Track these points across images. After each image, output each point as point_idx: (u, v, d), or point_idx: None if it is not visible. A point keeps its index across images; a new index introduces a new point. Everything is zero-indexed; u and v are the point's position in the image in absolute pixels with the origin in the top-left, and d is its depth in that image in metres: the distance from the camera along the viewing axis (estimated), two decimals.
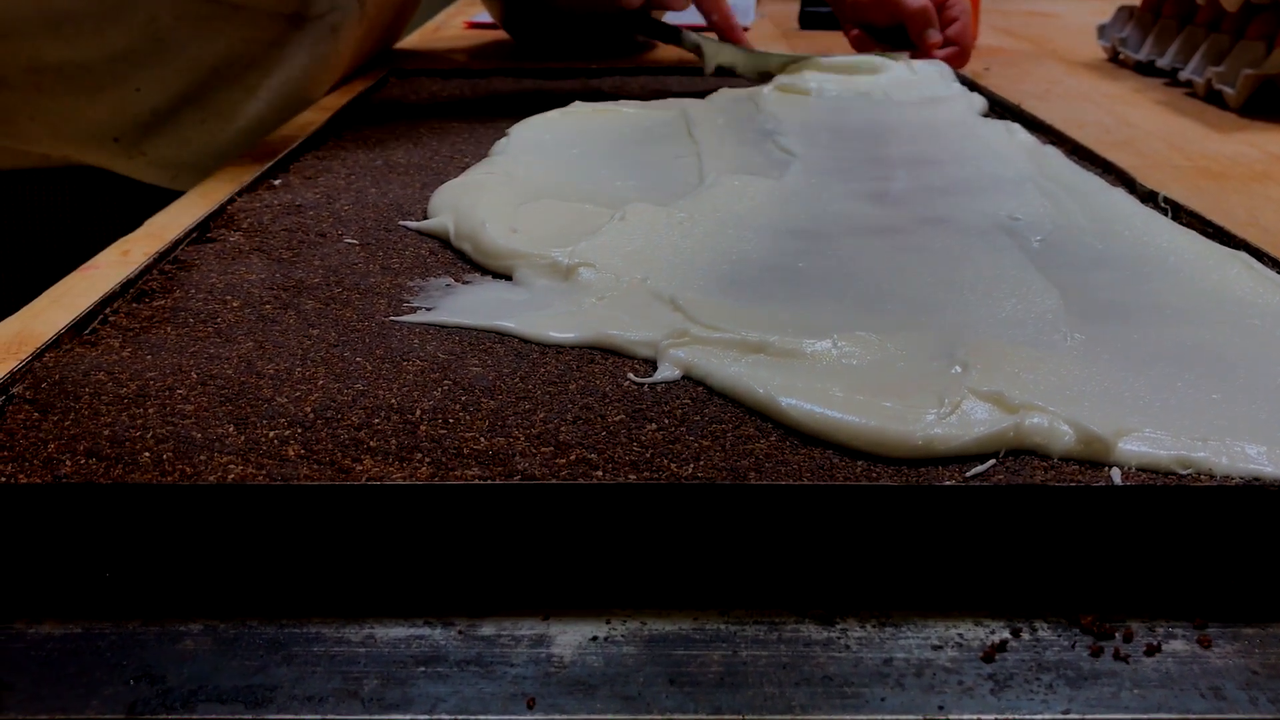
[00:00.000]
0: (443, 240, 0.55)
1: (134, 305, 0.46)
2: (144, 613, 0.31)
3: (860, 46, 1.04)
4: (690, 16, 1.08)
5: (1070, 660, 0.29)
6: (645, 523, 0.31)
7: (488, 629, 0.30)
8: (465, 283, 0.50)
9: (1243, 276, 0.48)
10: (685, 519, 0.31)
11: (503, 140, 0.72)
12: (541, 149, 0.70)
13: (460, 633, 0.30)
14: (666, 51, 1.20)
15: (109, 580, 0.31)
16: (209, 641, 0.30)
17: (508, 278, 0.51)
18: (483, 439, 0.35)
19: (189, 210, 0.63)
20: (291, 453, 0.34)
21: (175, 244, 0.53)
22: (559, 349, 0.43)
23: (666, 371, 0.40)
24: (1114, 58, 1.16)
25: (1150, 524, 0.31)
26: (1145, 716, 0.27)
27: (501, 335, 0.44)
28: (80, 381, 0.39)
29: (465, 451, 0.35)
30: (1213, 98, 0.94)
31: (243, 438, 0.35)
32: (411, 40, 1.33)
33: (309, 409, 0.37)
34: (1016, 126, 0.74)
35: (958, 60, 0.99)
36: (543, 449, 0.35)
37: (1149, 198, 0.60)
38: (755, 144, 0.73)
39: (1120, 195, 0.59)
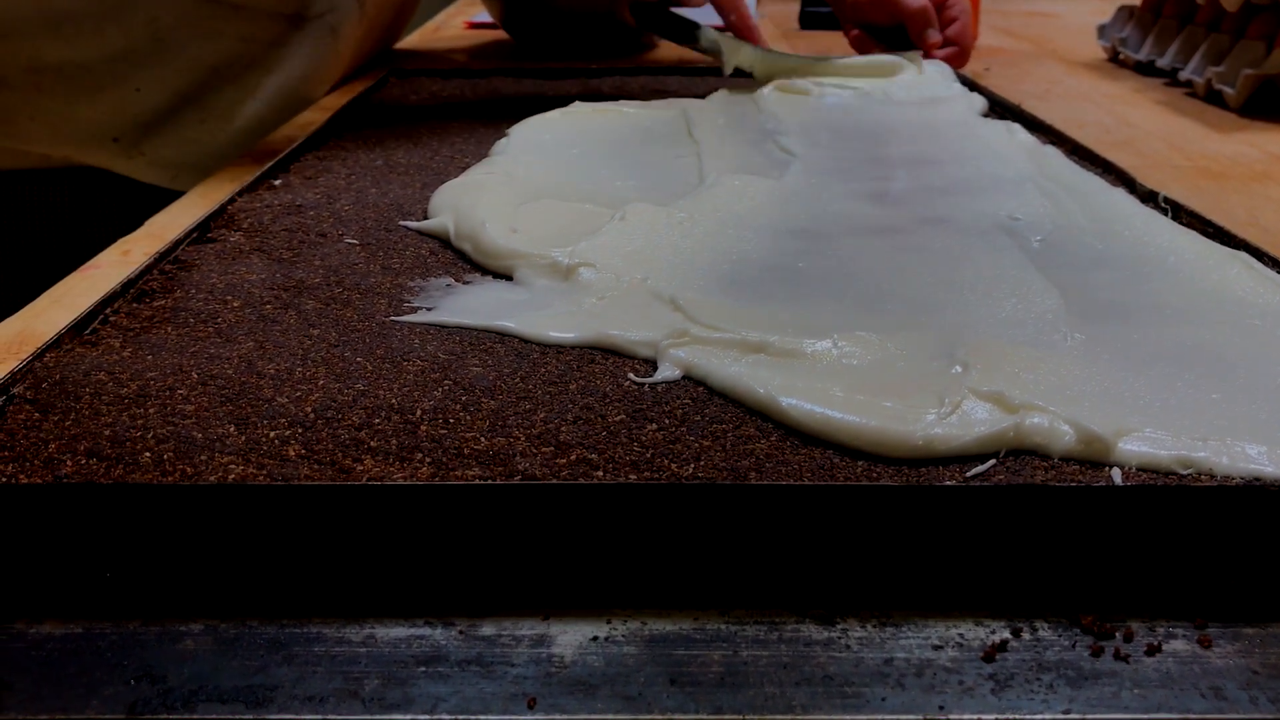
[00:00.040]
0: (443, 240, 0.55)
1: (134, 305, 0.46)
2: (144, 613, 0.31)
3: (860, 46, 1.04)
4: (705, 15, 1.05)
5: (1071, 660, 0.29)
6: (646, 523, 0.31)
7: (488, 629, 0.30)
8: (465, 283, 0.50)
9: (1243, 276, 0.48)
10: (686, 519, 0.31)
11: (503, 140, 0.72)
12: (541, 149, 0.70)
13: (461, 633, 0.30)
14: (666, 51, 1.20)
15: (109, 580, 0.31)
16: (209, 641, 0.30)
17: (508, 278, 0.51)
18: (483, 439, 0.35)
19: (189, 210, 0.63)
20: (292, 453, 0.34)
21: (176, 244, 0.53)
22: (559, 349, 0.43)
23: (667, 371, 0.40)
24: (1114, 58, 1.16)
25: (1151, 524, 0.31)
26: (1146, 716, 0.27)
27: (502, 335, 0.44)
28: (81, 381, 0.39)
29: (466, 451, 0.35)
30: (1213, 98, 0.94)
31: (243, 438, 0.35)
32: (411, 40, 1.33)
33: (309, 409, 0.37)
34: (1016, 126, 0.74)
35: (958, 60, 0.99)
36: (543, 449, 0.35)
37: (1149, 198, 0.60)
38: (755, 144, 0.73)
39: (1120, 195, 0.59)
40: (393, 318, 0.45)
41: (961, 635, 0.30)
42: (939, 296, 0.47)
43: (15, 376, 0.39)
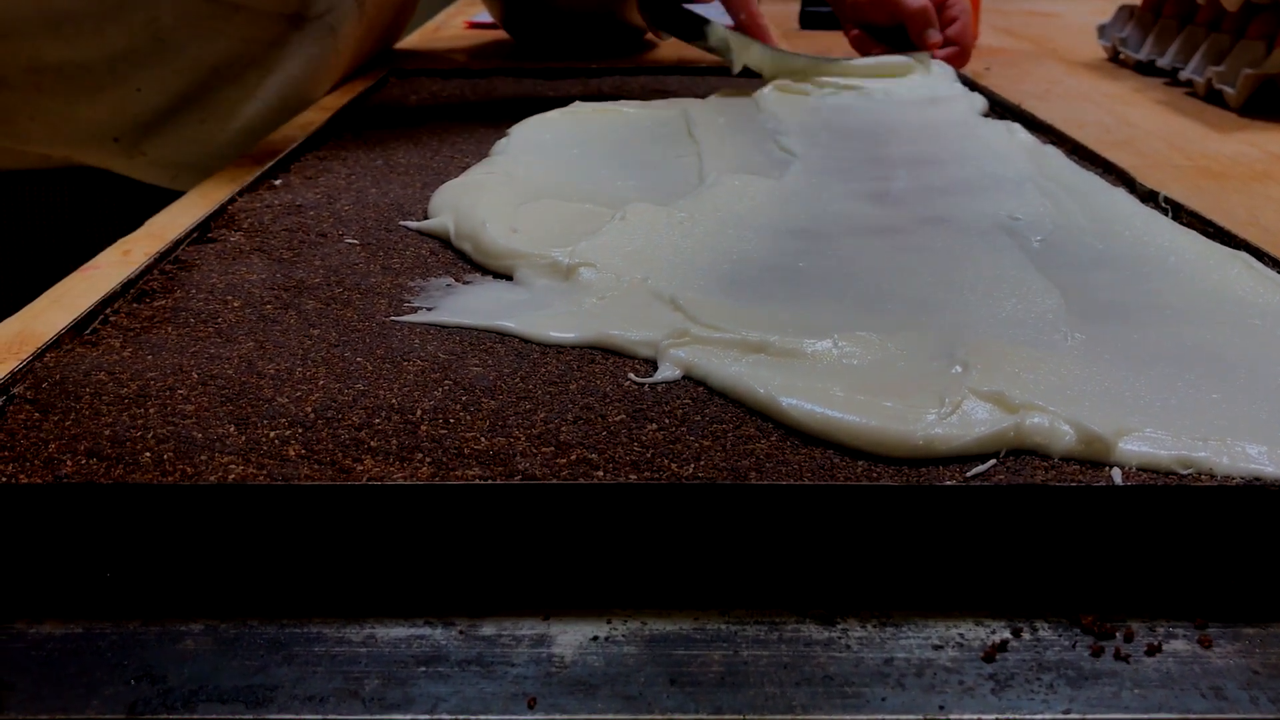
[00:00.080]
0: (443, 240, 0.55)
1: (135, 305, 0.46)
2: (145, 613, 0.31)
3: (860, 46, 1.04)
4: (712, 14, 1.03)
5: (1071, 660, 0.29)
6: (646, 523, 0.31)
7: (488, 629, 0.30)
8: (466, 283, 0.50)
9: (1243, 276, 0.48)
10: (686, 519, 0.31)
11: (503, 140, 0.72)
12: (542, 149, 0.70)
13: (461, 633, 0.30)
14: (667, 51, 1.20)
15: (110, 580, 0.31)
16: (210, 641, 0.30)
17: (508, 278, 0.51)
18: (483, 439, 0.35)
19: (189, 210, 0.63)
20: (292, 453, 0.34)
21: (176, 244, 0.53)
22: (559, 349, 0.43)
23: (667, 371, 0.40)
24: (1114, 57, 1.16)
25: (1151, 524, 0.31)
26: (1146, 716, 0.27)
27: (502, 335, 0.44)
28: (81, 381, 0.39)
29: (466, 451, 0.35)
30: (1213, 97, 0.94)
31: (243, 438, 0.35)
32: (411, 40, 1.33)
33: (310, 409, 0.37)
34: (1017, 126, 0.74)
35: (958, 60, 0.99)
36: (543, 449, 0.35)
37: (1149, 197, 0.60)
38: (756, 144, 0.73)
39: (1120, 195, 0.59)
40: (393, 318, 0.45)
41: (962, 635, 0.30)
42: (939, 296, 0.47)
43: (15, 376, 0.39)
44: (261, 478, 0.33)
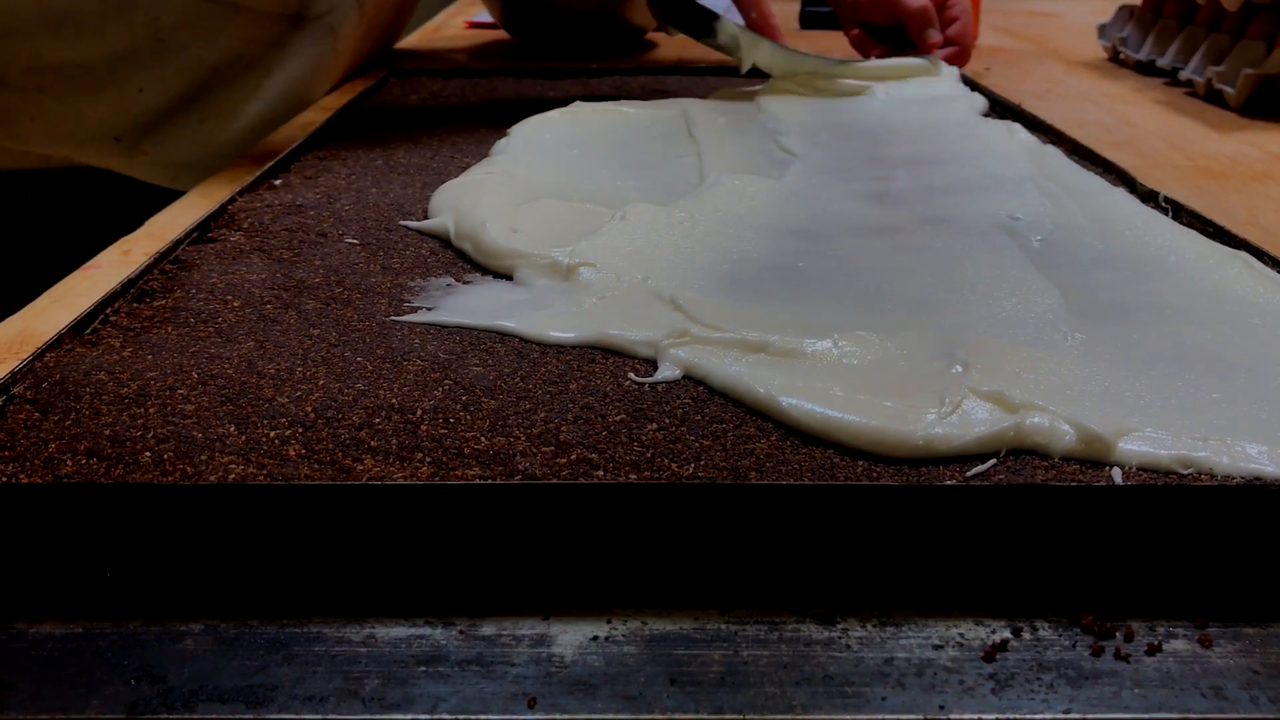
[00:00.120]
0: (443, 240, 0.55)
1: (135, 305, 0.46)
2: (145, 612, 0.31)
3: (860, 46, 1.04)
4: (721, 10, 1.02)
5: (1071, 660, 0.29)
6: (646, 522, 0.31)
7: (488, 629, 0.30)
8: (466, 282, 0.50)
9: (1243, 276, 0.48)
10: (686, 519, 0.31)
11: (503, 140, 0.72)
12: (542, 149, 0.70)
13: (461, 632, 0.30)
14: (667, 51, 1.20)
15: (110, 580, 0.31)
16: (210, 641, 0.30)
17: (508, 278, 0.51)
18: (483, 439, 0.35)
19: (190, 210, 0.63)
20: (292, 452, 0.34)
21: (176, 244, 0.53)
22: (559, 349, 0.43)
23: (667, 371, 0.40)
24: (1114, 57, 1.16)
25: (1151, 524, 0.31)
26: (1146, 716, 0.27)
27: (502, 335, 0.44)
28: (81, 381, 0.39)
29: (466, 451, 0.35)
30: (1213, 97, 0.94)
31: (243, 437, 0.35)
32: (411, 40, 1.33)
33: (310, 409, 0.37)
34: (1017, 126, 0.74)
35: (958, 60, 0.99)
36: (543, 449, 0.35)
37: (1149, 197, 0.60)
38: (756, 144, 0.73)
39: (1121, 195, 0.59)
40: (393, 317, 0.45)
41: (962, 635, 0.30)
42: (939, 296, 0.47)
43: (15, 376, 0.39)
44: (261, 478, 0.33)
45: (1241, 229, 0.54)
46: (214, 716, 0.27)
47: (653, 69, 1.06)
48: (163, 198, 0.71)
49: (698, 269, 0.50)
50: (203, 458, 0.34)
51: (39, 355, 0.41)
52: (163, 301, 0.47)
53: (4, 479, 0.33)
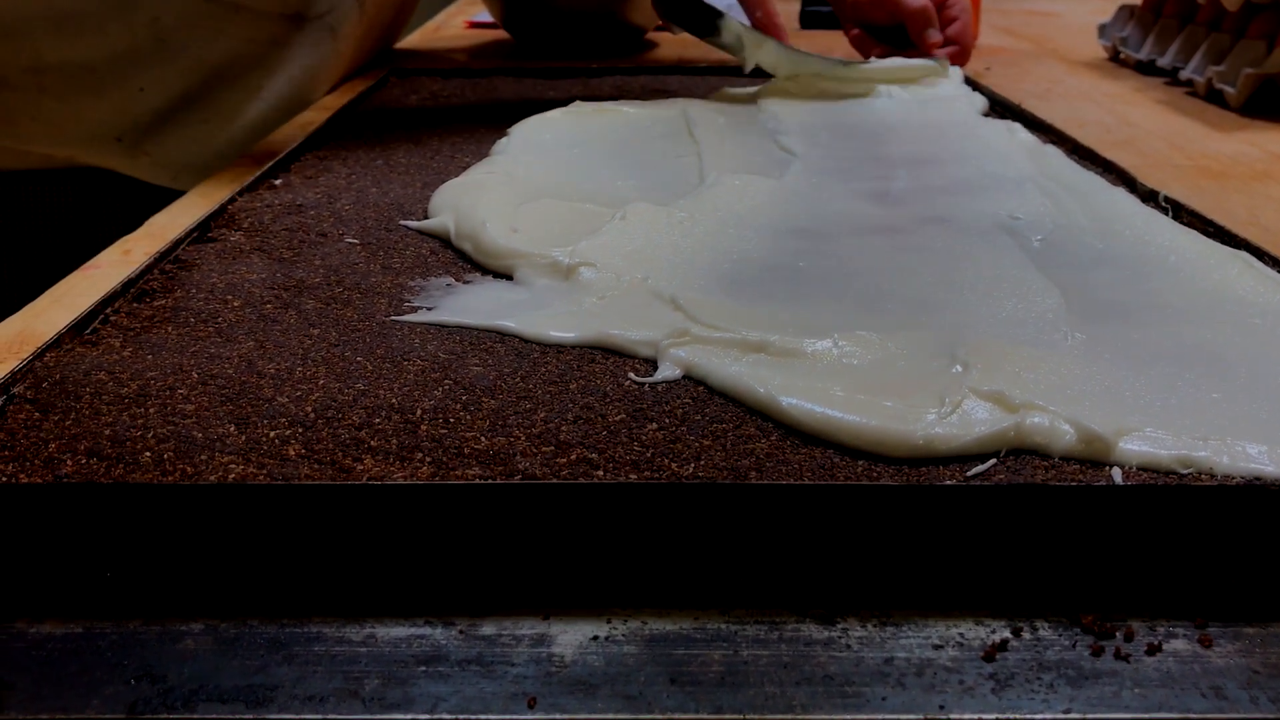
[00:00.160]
0: (443, 240, 0.55)
1: (135, 305, 0.46)
2: (145, 612, 0.31)
3: (860, 46, 1.04)
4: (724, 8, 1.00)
5: (1071, 660, 0.29)
6: (646, 522, 0.31)
7: (489, 628, 0.30)
8: (466, 282, 0.50)
9: (1243, 276, 0.48)
10: (686, 518, 0.31)
11: (503, 140, 0.72)
12: (542, 149, 0.70)
13: (461, 632, 0.30)
14: (667, 51, 1.20)
15: (110, 580, 0.31)
16: (210, 641, 0.30)
17: (508, 277, 0.51)
18: (483, 438, 0.35)
19: (190, 210, 0.63)
20: (292, 452, 0.34)
21: (176, 243, 0.53)
22: (560, 348, 0.43)
23: (667, 371, 0.40)
24: (1115, 57, 1.16)
25: (1151, 523, 0.31)
26: (1146, 716, 0.27)
27: (502, 335, 0.44)
28: (81, 381, 0.39)
29: (466, 451, 0.35)
30: (1213, 97, 0.94)
31: (243, 437, 0.35)
32: (411, 40, 1.33)
33: (310, 409, 0.37)
34: (1017, 126, 0.74)
35: (958, 60, 0.99)
36: (544, 448, 0.35)
37: (1150, 197, 0.60)
38: (756, 143, 0.73)
39: (1121, 194, 0.59)
40: (393, 317, 0.45)
41: (962, 635, 0.30)
42: (939, 296, 0.47)
43: (15, 376, 0.39)
44: (261, 477, 0.33)
45: (1242, 229, 0.54)
46: (214, 716, 0.27)
47: (653, 69, 1.06)
48: (165, 198, 0.71)
49: (698, 269, 0.50)
50: (203, 458, 0.34)
51: (39, 355, 0.41)
52: (163, 301, 0.47)
53: (4, 479, 0.33)
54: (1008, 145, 0.70)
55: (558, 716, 0.27)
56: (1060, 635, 0.30)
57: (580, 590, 0.31)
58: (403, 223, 0.58)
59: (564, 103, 0.81)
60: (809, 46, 0.93)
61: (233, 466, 0.33)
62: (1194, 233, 0.53)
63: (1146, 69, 1.08)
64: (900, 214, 0.58)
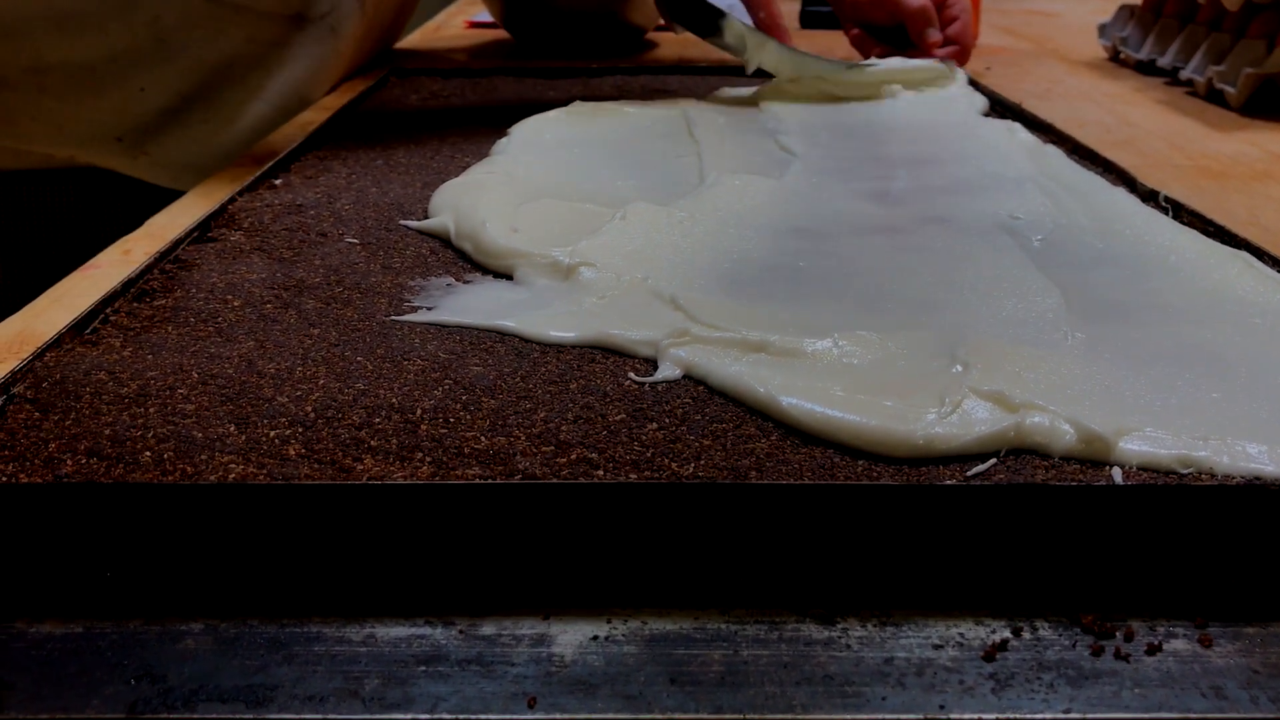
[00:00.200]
0: (443, 240, 0.55)
1: (135, 305, 0.46)
2: (145, 612, 0.31)
3: (860, 46, 1.04)
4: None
5: (1071, 659, 0.29)
6: (646, 522, 0.31)
7: (488, 628, 0.30)
8: (466, 282, 0.50)
9: (1244, 276, 0.48)
10: (686, 518, 0.31)
11: (503, 140, 0.72)
12: (542, 148, 0.70)
13: (461, 632, 0.30)
14: (667, 51, 1.20)
15: (110, 580, 0.31)
16: (210, 641, 0.30)
17: (508, 277, 0.51)
18: (484, 438, 0.35)
19: (190, 210, 0.63)
20: (292, 452, 0.34)
21: (176, 243, 0.53)
22: (560, 348, 0.43)
23: (667, 371, 0.40)
24: (1115, 57, 1.16)
25: (1151, 523, 0.31)
26: (1146, 716, 0.27)
27: (502, 335, 0.44)
28: (81, 381, 0.39)
29: (466, 451, 0.35)
30: (1214, 97, 0.94)
31: (243, 437, 0.35)
32: (412, 40, 1.33)
33: (310, 408, 0.37)
34: (1017, 126, 0.74)
35: (958, 59, 0.99)
36: (544, 448, 0.35)
37: (1150, 197, 0.60)
38: (756, 143, 0.73)
39: (1121, 194, 0.59)
40: (393, 317, 0.45)
41: (962, 635, 0.30)
42: (939, 296, 0.47)
43: (15, 376, 0.39)
44: (262, 477, 0.33)
45: (1242, 228, 0.54)
46: (214, 716, 0.27)
47: (653, 69, 1.06)
48: (165, 198, 0.71)
49: (698, 268, 0.50)
50: (203, 457, 0.34)
51: (39, 355, 0.41)
52: (163, 301, 0.47)
53: (4, 479, 0.33)
54: (1008, 145, 0.70)
55: (558, 716, 0.27)
56: (1060, 635, 0.30)
57: (580, 590, 0.31)
58: (403, 222, 0.58)
59: (564, 103, 0.81)
60: (809, 46, 0.93)
61: (233, 466, 0.33)
62: (1194, 233, 0.53)
63: (1146, 69, 1.08)
64: (900, 214, 0.58)
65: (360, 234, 0.56)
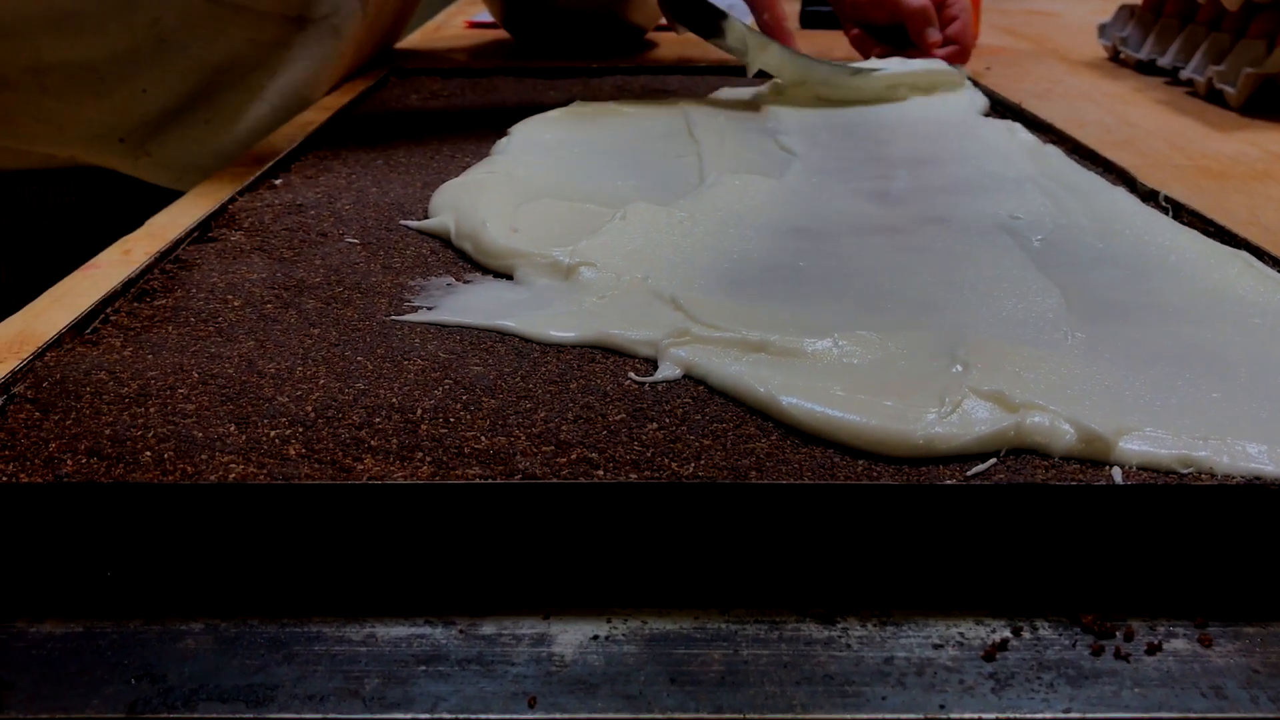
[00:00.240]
0: (444, 239, 0.55)
1: (135, 304, 0.46)
2: (145, 612, 0.31)
3: (860, 46, 1.04)
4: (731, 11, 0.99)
5: (1071, 659, 0.29)
6: (646, 522, 0.31)
7: (489, 628, 0.30)
8: (466, 282, 0.50)
9: (1244, 275, 0.48)
10: (686, 518, 0.31)
11: (503, 140, 0.72)
12: (542, 148, 0.70)
13: (461, 632, 0.30)
14: (667, 51, 1.20)
15: (110, 579, 0.31)
16: (210, 640, 0.30)
17: (509, 277, 0.51)
18: (484, 438, 0.35)
19: (190, 210, 0.63)
20: (292, 452, 0.34)
21: (176, 243, 0.53)
22: (560, 348, 0.43)
23: (667, 371, 0.40)
24: (1115, 57, 1.16)
25: (1151, 523, 0.31)
26: (1146, 715, 0.27)
27: (502, 334, 0.44)
28: (81, 381, 0.39)
29: (466, 451, 0.35)
30: (1214, 97, 0.94)
31: (244, 437, 0.35)
32: (412, 40, 1.33)
33: (310, 408, 0.37)
34: (1017, 126, 0.74)
35: (958, 59, 0.99)
36: (544, 448, 0.35)
37: (1150, 197, 0.60)
38: (756, 143, 0.73)
39: (1121, 194, 0.59)
40: (393, 317, 0.45)
41: (962, 634, 0.30)
42: (940, 296, 0.47)
43: (16, 376, 0.39)
44: (262, 477, 0.33)
45: (1242, 228, 0.54)
46: (214, 716, 0.27)
47: (653, 69, 1.06)
48: (166, 198, 0.71)
49: (698, 268, 0.50)
50: (203, 457, 0.34)
51: (39, 355, 0.41)
52: (163, 301, 0.47)
53: (4, 479, 0.33)
54: (1008, 145, 0.70)
55: (558, 716, 0.27)
56: (1060, 635, 0.30)
57: (580, 590, 0.31)
58: (403, 222, 0.58)
59: (564, 103, 0.81)
60: (809, 46, 0.93)
61: (233, 466, 0.33)
62: (1194, 232, 0.53)
63: (1146, 69, 1.08)
64: (900, 214, 0.58)
65: (360, 234, 0.56)
